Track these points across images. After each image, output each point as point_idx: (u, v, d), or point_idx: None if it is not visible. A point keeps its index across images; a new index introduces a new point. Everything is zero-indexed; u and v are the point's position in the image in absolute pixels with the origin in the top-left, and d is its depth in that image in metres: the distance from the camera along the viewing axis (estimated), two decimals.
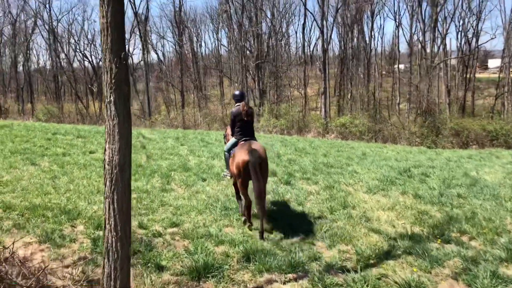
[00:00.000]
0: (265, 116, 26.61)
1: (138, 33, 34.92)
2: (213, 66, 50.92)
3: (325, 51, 32.92)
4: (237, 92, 6.83)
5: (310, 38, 72.33)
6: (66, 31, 45.76)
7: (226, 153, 6.82)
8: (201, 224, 6.03)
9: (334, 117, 31.02)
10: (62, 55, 42.45)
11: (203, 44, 62.56)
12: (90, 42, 47.53)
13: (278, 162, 11.64)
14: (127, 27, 40.41)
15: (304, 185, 8.92)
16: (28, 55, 39.36)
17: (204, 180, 9.01)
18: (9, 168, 9.37)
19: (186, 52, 47.74)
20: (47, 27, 38.12)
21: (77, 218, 6.06)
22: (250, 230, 5.90)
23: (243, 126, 6.47)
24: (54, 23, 39.98)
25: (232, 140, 6.66)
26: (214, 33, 52.63)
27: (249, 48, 34.63)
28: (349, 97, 32.80)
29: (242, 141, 6.33)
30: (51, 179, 8.46)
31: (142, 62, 46.73)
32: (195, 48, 48.10)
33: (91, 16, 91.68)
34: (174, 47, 51.39)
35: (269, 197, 7.44)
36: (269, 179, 9.31)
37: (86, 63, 47.65)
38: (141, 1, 54.57)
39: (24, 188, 7.67)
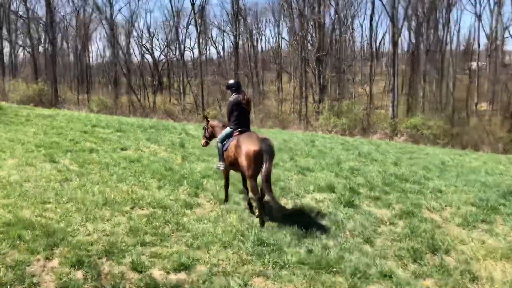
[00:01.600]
0: (324, 114, 24.39)
1: (194, 24, 34.17)
2: (271, 60, 49.16)
3: (395, 43, 29.90)
4: (232, 82, 6.70)
5: (377, 32, 68.05)
6: (127, 22, 46.45)
7: (219, 143, 6.50)
8: (221, 269, 4.25)
9: (403, 118, 27.99)
10: (122, 47, 43.06)
11: (263, 38, 60.96)
12: (152, 35, 47.91)
13: (337, 172, 9.60)
14: (184, 19, 40.01)
15: (371, 207, 6.85)
16: (88, 45, 40.32)
17: (241, 192, 7.25)
18: (23, 165, 8.28)
19: (244, 45, 46.58)
20: (108, 18, 38.61)
21: (59, 245, 4.55)
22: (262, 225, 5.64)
23: (240, 116, 6.29)
24: (115, 15, 40.53)
25: (227, 130, 6.42)
26: (276, 27, 50.73)
27: (310, 41, 32.49)
28: (421, 95, 29.46)
29: (238, 131, 6.18)
30: (59, 182, 7.16)
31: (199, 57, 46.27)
32: (254, 42, 46.67)
33: (154, 10, 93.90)
34: (230, 40, 50.48)
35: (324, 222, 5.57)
36: (326, 196, 7.41)
37: (147, 56, 48.20)
38: None
39: (22, 193, 6.40)
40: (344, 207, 6.69)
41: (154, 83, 45.75)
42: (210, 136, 7.24)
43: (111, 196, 6.49)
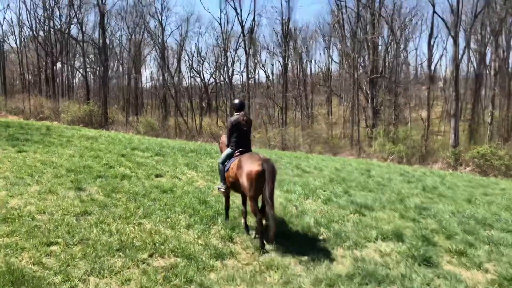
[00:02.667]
0: (379, 140, 22.56)
1: (244, 47, 33.81)
2: (321, 83, 47.86)
3: (457, 66, 27.63)
4: (236, 101, 6.64)
5: (433, 53, 64.86)
6: (178, 46, 47.27)
7: (220, 165, 6.41)
8: None
9: (466, 146, 25.43)
10: (172, 70, 43.69)
11: (312, 61, 59.79)
12: (203, 59, 48.34)
13: (402, 211, 8.04)
14: (233, 42, 39.95)
15: (455, 266, 5.28)
16: (140, 68, 41.19)
17: (286, 237, 5.96)
18: (46, 192, 7.52)
19: (293, 68, 45.75)
20: (159, 42, 39.37)
21: None
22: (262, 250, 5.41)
23: (240, 137, 6.28)
24: (166, 38, 41.33)
25: (228, 150, 6.36)
26: (325, 50, 49.60)
27: (362, 64, 30.91)
28: (489, 121, 26.78)
29: (238, 152, 6.16)
30: (76, 216, 6.24)
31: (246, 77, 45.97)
32: (303, 64, 45.71)
33: (205, 33, 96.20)
34: (279, 61, 49.89)
35: None
36: (393, 246, 5.93)
37: (198, 79, 48.62)
38: (248, 14, 54.15)
39: (30, 229, 5.51)
40: (419, 265, 5.17)
41: (203, 105, 45.87)
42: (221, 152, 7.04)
43: (130, 237, 5.43)
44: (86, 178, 8.80)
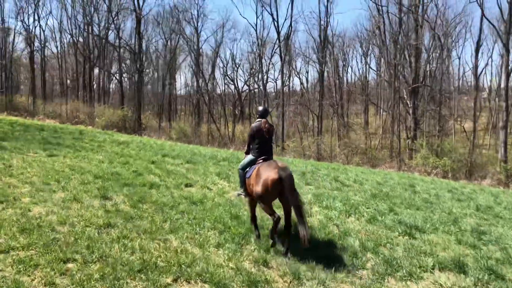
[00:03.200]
0: (421, 153, 21.32)
1: (279, 53, 33.28)
2: (358, 92, 46.63)
3: (508, 74, 25.98)
4: (260, 108, 6.74)
5: (478, 61, 62.13)
6: (213, 52, 47.43)
7: (240, 171, 6.45)
8: None
9: None
10: (206, 77, 43.83)
11: (349, 69, 58.42)
12: (237, 66, 48.26)
13: (458, 235, 7.16)
14: (268, 49, 39.56)
15: None
16: (175, 74, 41.54)
17: (329, 262, 5.27)
18: (70, 200, 7.18)
19: (329, 76, 44.82)
20: (194, 48, 39.58)
21: None
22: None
23: (262, 144, 6.28)
24: (201, 45, 41.51)
25: (249, 157, 6.38)
26: (363, 58, 48.33)
27: (402, 72, 29.66)
28: None
29: (261, 159, 6.16)
30: (99, 229, 5.80)
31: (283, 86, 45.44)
32: (340, 73, 44.70)
33: (239, 41, 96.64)
34: (316, 68, 49.09)
35: None
36: (454, 279, 5.13)
37: (231, 86, 48.59)
38: (284, 20, 53.61)
39: (48, 242, 5.12)
40: None
41: (236, 113, 45.69)
42: None
43: (153, 256, 4.92)
44: (113, 186, 8.44)
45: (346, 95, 46.45)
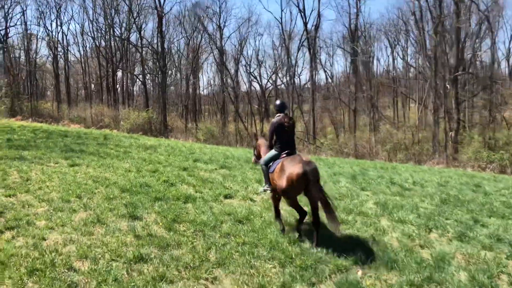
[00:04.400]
0: (474, 146, 19.36)
1: (307, 46, 31.69)
2: (389, 84, 44.47)
3: None
4: (278, 102, 6.72)
5: None
6: (236, 50, 46.22)
7: (263, 166, 6.37)
8: None
9: None
10: (231, 74, 42.70)
11: (376, 61, 55.65)
12: (260, 63, 46.88)
13: None
14: (294, 43, 38.01)
15: None
16: (198, 74, 40.58)
17: None
18: (93, 222, 6.02)
19: (359, 67, 42.87)
20: (217, 46, 38.44)
21: None
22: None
23: (284, 138, 6.23)
24: (224, 42, 40.31)
25: (272, 152, 6.29)
26: (389, 48, 46.02)
27: (443, 60, 27.53)
28: None
29: (284, 154, 6.10)
30: (127, 265, 4.56)
31: (308, 81, 43.78)
32: (370, 63, 42.59)
33: (262, 37, 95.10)
34: (346, 61, 47.25)
35: None
36: None
37: (255, 83, 47.28)
38: (312, 11, 51.54)
39: None
40: None
41: (261, 110, 44.35)
42: (258, 155, 7.07)
43: None
44: (142, 201, 7.24)
45: (374, 88, 44.35)
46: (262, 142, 6.97)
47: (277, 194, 6.21)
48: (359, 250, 5.29)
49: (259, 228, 6.07)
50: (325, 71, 65.80)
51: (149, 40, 39.40)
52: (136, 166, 10.62)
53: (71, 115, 34.67)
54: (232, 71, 43.19)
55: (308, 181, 5.36)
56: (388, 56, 69.66)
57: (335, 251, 5.24)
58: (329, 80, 48.95)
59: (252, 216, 6.66)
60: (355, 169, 12.84)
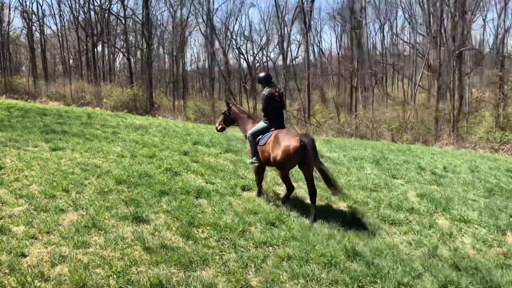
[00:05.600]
0: (484, 125, 18.42)
1: (302, 20, 30.03)
2: (385, 60, 43.26)
3: None
4: (262, 74, 6.55)
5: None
6: (223, 25, 44.16)
7: (251, 138, 6.21)
8: None
9: None
10: (218, 51, 40.84)
11: (369, 38, 53.69)
12: (247, 39, 44.98)
13: None
14: (286, 15, 36.29)
15: None
16: (184, 48, 38.54)
17: None
18: (88, 227, 4.76)
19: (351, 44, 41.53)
20: (204, 19, 36.48)
21: None
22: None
23: (274, 111, 6.18)
24: (213, 13, 38.25)
25: (261, 124, 6.24)
26: (380, 23, 44.44)
27: (445, 35, 26.44)
28: None
29: (274, 127, 6.07)
30: None
31: (301, 55, 42.30)
32: (365, 39, 41.14)
33: (247, 11, 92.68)
34: (338, 36, 45.75)
35: None
36: None
37: (242, 60, 45.46)
38: None
39: None
40: None
41: (247, 87, 42.79)
42: (229, 124, 7.01)
43: None
44: (145, 196, 5.97)
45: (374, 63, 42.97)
46: (239, 111, 6.84)
47: (261, 168, 6.23)
48: (442, 270, 4.15)
49: (300, 234, 4.86)
50: (319, 47, 64.09)
51: (133, 10, 37.12)
52: (129, 150, 9.24)
53: (49, 91, 32.54)
54: (219, 47, 41.35)
55: (306, 153, 5.38)
56: (376, 32, 68.12)
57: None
58: (324, 55, 47.40)
59: (284, 217, 5.44)
60: (372, 152, 11.71)
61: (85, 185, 6.46)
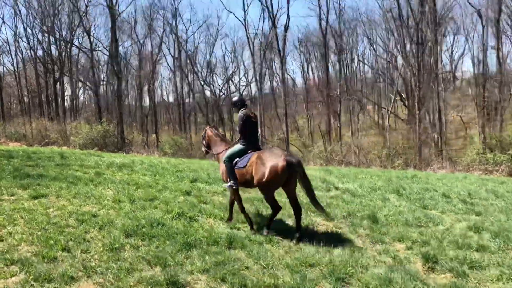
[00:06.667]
0: (475, 147, 18.36)
1: (277, 47, 29.75)
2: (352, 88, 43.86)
3: None
4: (236, 98, 6.69)
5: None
6: (189, 58, 43.53)
7: (227, 161, 6.13)
8: None
9: None
10: (192, 83, 40.07)
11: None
12: (212, 71, 44.60)
13: None
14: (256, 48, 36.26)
15: None
16: (153, 82, 37.51)
17: None
18: None
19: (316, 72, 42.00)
20: (176, 50, 35.82)
21: None
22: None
23: (251, 132, 6.21)
24: (182, 46, 37.72)
25: (238, 146, 6.21)
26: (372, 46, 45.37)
27: (421, 58, 26.81)
28: None
29: (251, 149, 6.08)
30: None
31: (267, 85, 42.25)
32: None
33: (215, 42, 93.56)
34: (309, 65, 46.46)
35: None
36: None
37: (208, 92, 44.89)
38: (278, 8, 47.28)
39: None
40: None
41: (214, 119, 42.15)
42: (207, 146, 7.06)
43: None
44: (169, 251, 4.92)
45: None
46: (212, 134, 6.90)
47: (236, 194, 6.22)
48: None
49: None
50: (291, 77, 64.75)
51: (101, 43, 35.89)
52: (123, 193, 8.12)
53: (7, 131, 30.42)
54: (187, 79, 40.59)
55: (294, 173, 5.54)
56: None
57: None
58: (305, 82, 47.43)
59: (352, 270, 4.52)
60: (383, 181, 11.07)
61: (88, 241, 5.36)
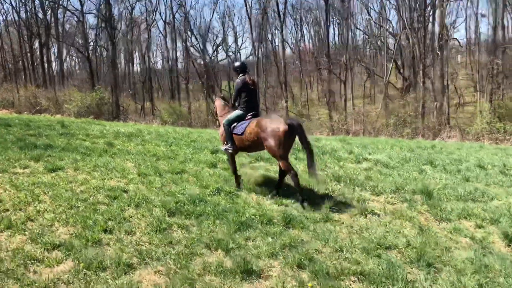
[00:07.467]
0: (485, 116, 18.14)
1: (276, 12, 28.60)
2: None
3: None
4: (238, 63, 6.54)
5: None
6: (181, 24, 41.92)
7: (226, 125, 6.25)
8: None
9: None
10: (179, 50, 38.74)
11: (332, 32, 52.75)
12: (203, 37, 43.08)
13: None
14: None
15: None
16: (147, 47, 36.10)
17: None
18: None
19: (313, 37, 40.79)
20: (163, 17, 34.29)
21: None
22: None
23: (249, 98, 6.21)
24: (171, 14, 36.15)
25: (237, 112, 6.26)
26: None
27: (424, 26, 26.09)
28: None
29: (250, 115, 6.15)
30: None
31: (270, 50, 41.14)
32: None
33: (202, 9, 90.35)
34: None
35: None
36: None
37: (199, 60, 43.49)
38: None
39: None
40: None
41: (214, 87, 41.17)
42: (217, 114, 7.08)
43: None
44: (225, 231, 4.46)
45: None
46: (218, 103, 6.94)
47: (232, 156, 6.36)
48: None
49: None
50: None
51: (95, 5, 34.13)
52: (146, 166, 7.58)
53: None
54: (182, 46, 39.16)
55: (298, 135, 5.57)
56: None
57: None
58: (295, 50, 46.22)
59: (434, 252, 4.12)
60: (405, 152, 10.69)
61: (129, 220, 4.86)
